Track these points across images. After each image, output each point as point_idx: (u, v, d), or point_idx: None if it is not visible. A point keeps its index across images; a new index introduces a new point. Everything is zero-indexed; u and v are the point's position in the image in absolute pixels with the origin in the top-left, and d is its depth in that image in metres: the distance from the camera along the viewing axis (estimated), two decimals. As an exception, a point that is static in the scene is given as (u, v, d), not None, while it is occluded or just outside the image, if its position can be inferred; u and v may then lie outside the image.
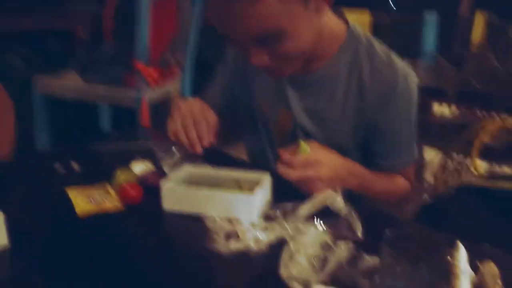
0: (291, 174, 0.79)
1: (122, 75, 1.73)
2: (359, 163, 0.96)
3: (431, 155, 2.32)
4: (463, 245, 0.59)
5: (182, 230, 0.78)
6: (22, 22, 2.19)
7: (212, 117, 0.88)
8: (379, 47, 0.94)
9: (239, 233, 0.71)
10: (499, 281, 0.55)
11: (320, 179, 0.80)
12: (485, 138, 1.36)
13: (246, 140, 1.18)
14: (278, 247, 0.67)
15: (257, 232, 0.71)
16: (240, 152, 1.21)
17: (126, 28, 1.67)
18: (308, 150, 0.81)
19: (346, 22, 0.95)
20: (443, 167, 2.29)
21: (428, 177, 2.21)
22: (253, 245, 0.69)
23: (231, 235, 0.71)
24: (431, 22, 3.88)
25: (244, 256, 0.67)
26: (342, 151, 0.98)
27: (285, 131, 1.04)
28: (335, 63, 0.94)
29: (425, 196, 2.16)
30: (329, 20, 0.91)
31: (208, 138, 0.85)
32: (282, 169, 0.80)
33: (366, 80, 0.92)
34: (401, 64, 0.93)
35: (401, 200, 1.03)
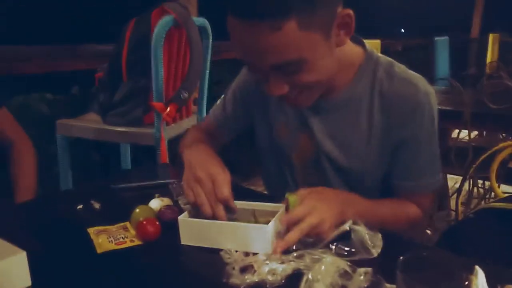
0: (296, 235, 0.75)
1: (141, 115, 1.78)
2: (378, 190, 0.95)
3: (454, 182, 2.27)
4: (484, 269, 0.58)
5: (199, 264, 0.79)
6: (44, 65, 2.28)
7: (228, 178, 0.86)
8: (398, 67, 0.95)
9: (255, 266, 0.71)
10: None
11: (324, 221, 0.77)
12: (504, 160, 1.34)
13: (265, 172, 1.17)
14: (294, 279, 0.67)
15: (273, 264, 0.71)
16: (254, 185, 1.22)
17: (139, 67, 1.74)
18: (297, 200, 0.80)
19: (363, 45, 0.97)
20: (470, 193, 2.23)
21: (454, 204, 2.15)
22: (269, 278, 0.68)
23: (247, 268, 0.71)
24: (442, 46, 3.89)
25: (260, 289, 0.67)
26: (369, 179, 0.99)
27: (307, 159, 1.03)
28: (355, 86, 0.95)
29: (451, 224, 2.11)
30: (347, 46, 0.91)
31: (232, 204, 0.84)
32: (284, 242, 0.75)
33: (388, 98, 0.93)
34: (422, 81, 0.94)
35: (410, 228, 1.00)
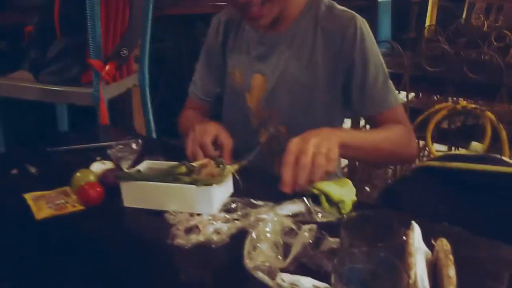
0: (305, 174, 0.74)
1: (77, 73, 1.68)
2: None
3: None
4: (421, 224, 0.61)
5: (143, 227, 0.79)
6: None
7: (228, 140, 0.92)
8: (337, 5, 1.03)
9: (200, 226, 0.71)
10: (451, 256, 0.58)
11: (329, 149, 0.77)
12: (437, 121, 1.42)
13: (225, 120, 1.18)
14: (240, 237, 0.68)
15: (218, 224, 0.71)
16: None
17: (74, 22, 1.63)
18: None
19: None
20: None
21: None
22: (214, 237, 0.69)
23: (192, 229, 0.71)
24: (385, 8, 3.97)
25: (206, 249, 0.68)
26: (323, 116, 1.03)
27: (260, 97, 1.07)
28: (299, 21, 1.02)
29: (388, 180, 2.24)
30: None
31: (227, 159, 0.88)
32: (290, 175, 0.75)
33: (329, 30, 0.99)
34: (357, 15, 1.00)
35: (408, 146, 1.01)
